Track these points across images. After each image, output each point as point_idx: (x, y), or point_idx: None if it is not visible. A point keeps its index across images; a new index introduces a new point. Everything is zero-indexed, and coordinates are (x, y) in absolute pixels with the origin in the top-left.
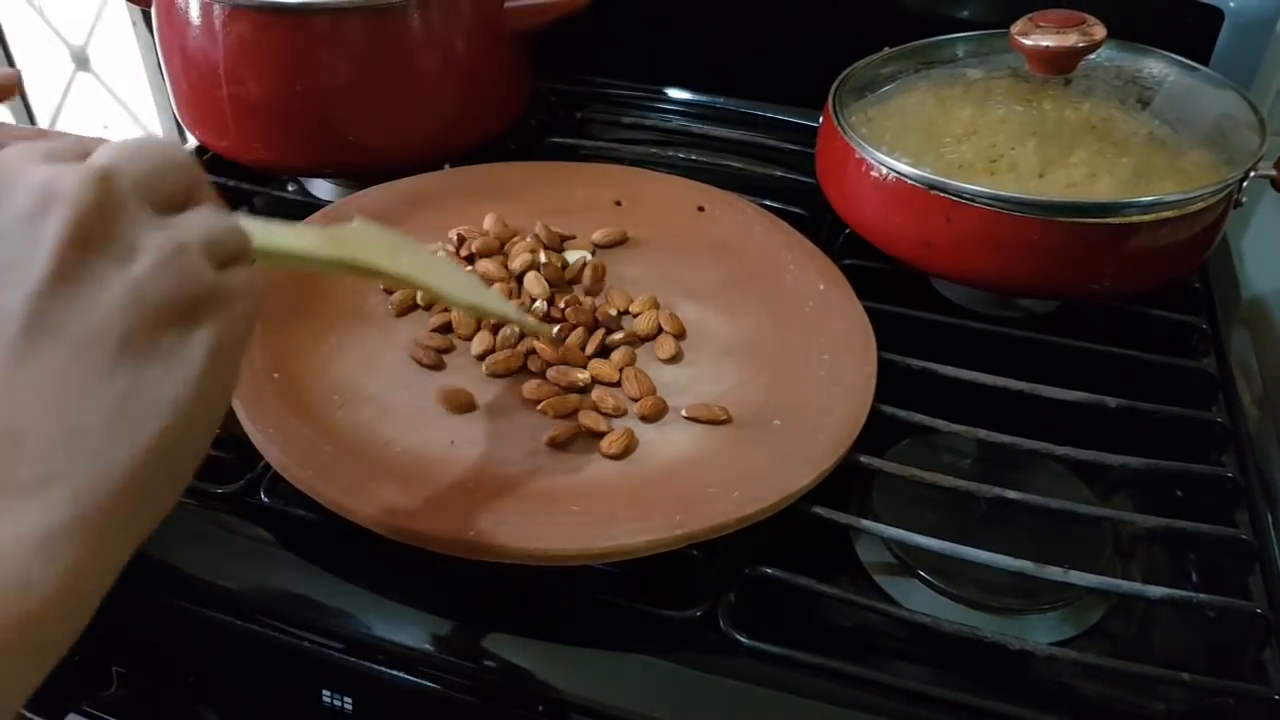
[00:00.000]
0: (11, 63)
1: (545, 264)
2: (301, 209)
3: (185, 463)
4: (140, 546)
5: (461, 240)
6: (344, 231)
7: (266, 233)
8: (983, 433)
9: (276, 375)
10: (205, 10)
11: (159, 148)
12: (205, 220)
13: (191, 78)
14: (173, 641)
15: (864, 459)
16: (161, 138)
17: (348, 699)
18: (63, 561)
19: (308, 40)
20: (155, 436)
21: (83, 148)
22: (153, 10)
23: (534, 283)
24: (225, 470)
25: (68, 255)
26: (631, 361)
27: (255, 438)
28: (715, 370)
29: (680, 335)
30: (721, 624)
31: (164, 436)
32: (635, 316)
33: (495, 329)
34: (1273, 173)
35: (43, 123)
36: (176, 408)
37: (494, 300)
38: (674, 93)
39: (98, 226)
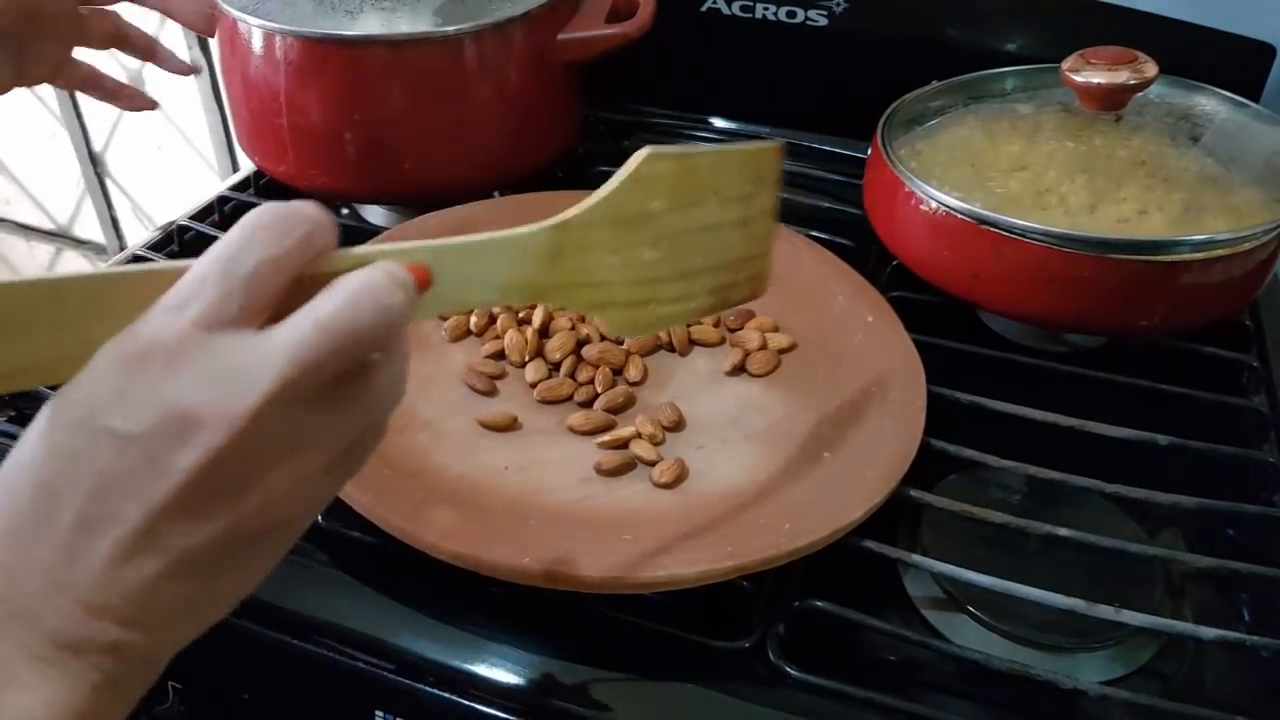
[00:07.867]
0: None
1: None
2: (354, 235)
3: None
4: None
5: None
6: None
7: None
8: (1033, 469)
9: None
10: (268, 40)
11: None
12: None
13: (252, 105)
14: (229, 659)
15: (914, 493)
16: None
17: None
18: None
19: (366, 71)
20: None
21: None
22: (215, 39)
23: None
24: None
25: (191, 492)
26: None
27: None
28: (763, 401)
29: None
30: (770, 655)
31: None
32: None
33: (548, 358)
34: None
35: (97, 143)
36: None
37: None
38: (721, 123)
39: (233, 472)
